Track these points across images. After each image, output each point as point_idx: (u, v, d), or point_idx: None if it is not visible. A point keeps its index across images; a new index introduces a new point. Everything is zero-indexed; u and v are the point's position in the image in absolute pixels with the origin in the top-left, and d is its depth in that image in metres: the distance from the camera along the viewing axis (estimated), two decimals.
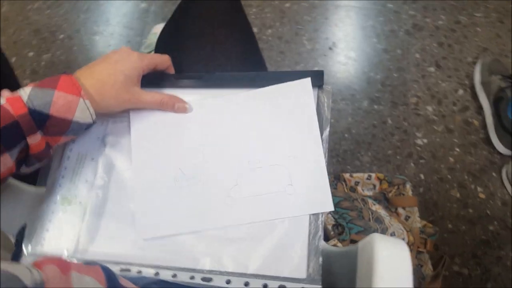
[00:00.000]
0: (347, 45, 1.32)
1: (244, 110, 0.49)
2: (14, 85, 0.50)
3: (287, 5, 1.39)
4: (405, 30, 1.35)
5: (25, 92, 0.43)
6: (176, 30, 0.64)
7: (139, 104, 0.50)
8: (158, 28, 1.19)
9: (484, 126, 1.16)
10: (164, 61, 0.54)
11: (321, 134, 0.47)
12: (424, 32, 1.35)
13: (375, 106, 1.20)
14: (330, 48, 1.31)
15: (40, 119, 0.43)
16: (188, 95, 0.52)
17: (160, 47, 0.67)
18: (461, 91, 1.23)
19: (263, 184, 0.45)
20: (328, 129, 0.47)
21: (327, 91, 0.50)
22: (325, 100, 0.49)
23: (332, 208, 0.44)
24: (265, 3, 1.39)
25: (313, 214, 0.44)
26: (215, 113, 0.49)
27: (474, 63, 1.26)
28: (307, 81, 0.49)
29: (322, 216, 0.44)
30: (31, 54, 1.29)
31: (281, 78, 0.50)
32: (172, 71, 0.56)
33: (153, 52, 0.61)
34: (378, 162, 1.12)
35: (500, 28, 1.34)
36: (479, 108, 1.19)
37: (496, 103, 1.13)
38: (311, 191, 0.45)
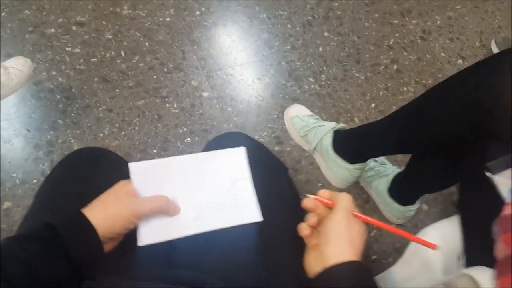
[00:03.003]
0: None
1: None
2: None
3: None
4: (420, 37, 1.60)
5: None
6: None
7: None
8: None
9: None
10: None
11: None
12: (434, 34, 1.61)
13: None
14: None
15: None
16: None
17: None
18: None
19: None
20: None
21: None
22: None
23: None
24: None
25: None
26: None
27: (483, 45, 1.56)
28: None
29: None
30: None
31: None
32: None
33: None
34: None
35: (479, 12, 1.66)
36: None
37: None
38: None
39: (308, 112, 1.30)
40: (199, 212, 0.60)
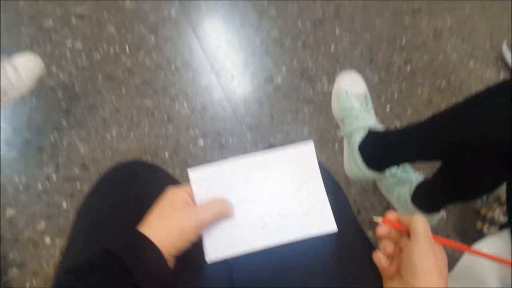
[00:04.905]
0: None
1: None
2: None
3: None
4: (432, 37, 1.57)
5: None
6: None
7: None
8: None
9: None
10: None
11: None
12: (445, 34, 1.58)
13: None
14: None
15: None
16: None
17: None
18: (502, 73, 1.50)
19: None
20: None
21: None
22: None
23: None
24: None
25: None
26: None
27: (494, 47, 1.54)
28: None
29: None
30: None
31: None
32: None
33: None
34: None
35: (488, 13, 1.65)
36: None
37: None
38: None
39: (363, 89, 1.16)
40: (268, 222, 0.55)
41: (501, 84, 0.80)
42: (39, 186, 1.13)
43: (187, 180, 0.55)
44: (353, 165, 1.10)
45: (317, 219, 0.55)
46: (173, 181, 0.68)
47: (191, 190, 0.54)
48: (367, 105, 1.14)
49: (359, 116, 1.09)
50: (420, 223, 0.53)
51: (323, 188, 0.57)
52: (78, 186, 1.15)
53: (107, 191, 0.62)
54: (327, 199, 0.56)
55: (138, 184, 0.63)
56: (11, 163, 1.15)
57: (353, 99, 1.12)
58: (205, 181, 0.55)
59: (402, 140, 1.00)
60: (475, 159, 0.90)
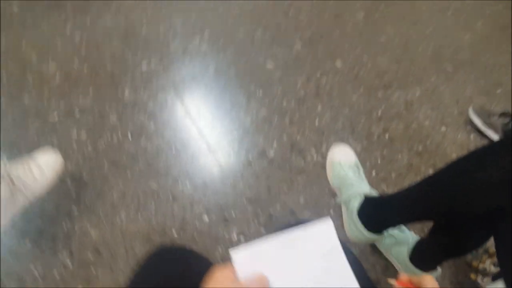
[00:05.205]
0: None
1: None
2: None
3: None
4: (404, 108, 1.74)
5: None
6: None
7: None
8: None
9: None
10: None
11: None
12: (415, 104, 1.76)
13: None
14: None
15: None
16: None
17: None
18: (472, 135, 1.67)
19: None
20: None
21: None
22: None
23: None
24: None
25: None
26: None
27: (461, 113, 1.72)
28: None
29: None
30: None
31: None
32: None
33: None
34: None
35: (452, 83, 1.85)
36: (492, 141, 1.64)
37: (508, 133, 1.59)
38: None
39: (353, 159, 1.30)
40: None
41: (480, 150, 0.91)
42: (56, 274, 1.17)
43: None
44: (354, 228, 1.19)
45: None
46: (203, 258, 0.74)
47: (234, 269, 0.61)
48: (359, 173, 1.26)
49: (354, 184, 1.20)
50: (430, 281, 0.62)
51: (347, 262, 0.63)
52: (93, 271, 1.19)
53: (148, 278, 0.68)
54: (351, 273, 0.62)
55: (174, 265, 0.69)
56: (26, 253, 1.19)
57: (346, 168, 1.24)
58: (245, 260, 0.61)
59: (396, 204, 1.11)
60: (462, 220, 1.01)
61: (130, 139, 1.50)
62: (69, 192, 1.33)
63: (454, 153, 1.61)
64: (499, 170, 0.84)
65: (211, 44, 1.90)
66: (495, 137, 1.64)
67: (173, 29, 1.93)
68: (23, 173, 1.00)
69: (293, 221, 1.34)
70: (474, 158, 0.92)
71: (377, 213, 1.14)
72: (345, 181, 1.23)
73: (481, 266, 1.28)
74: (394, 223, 1.14)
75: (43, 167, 1.05)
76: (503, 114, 1.62)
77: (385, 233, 1.21)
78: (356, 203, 1.18)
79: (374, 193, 1.20)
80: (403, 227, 1.25)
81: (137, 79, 1.69)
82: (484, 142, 1.65)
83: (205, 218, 1.35)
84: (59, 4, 1.95)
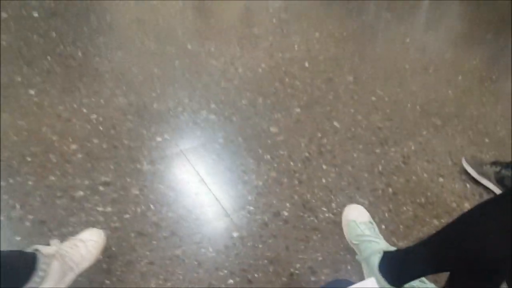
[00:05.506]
0: None
1: None
2: None
3: None
4: (402, 162, 1.88)
5: None
6: None
7: None
8: None
9: None
10: None
11: None
12: (412, 158, 1.90)
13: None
14: None
15: None
16: None
17: None
18: (468, 184, 1.80)
19: None
20: None
21: None
22: None
23: None
24: None
25: None
26: None
27: (455, 163, 1.87)
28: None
29: None
30: None
31: None
32: None
33: None
34: None
35: (442, 136, 2.01)
36: (487, 189, 1.77)
37: (500, 181, 1.72)
38: None
39: (367, 217, 1.41)
40: None
41: (487, 203, 1.03)
42: None
43: None
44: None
45: None
46: None
47: None
48: (375, 229, 1.36)
49: (372, 241, 1.30)
50: None
51: None
52: None
53: None
54: None
55: None
56: None
57: (362, 226, 1.35)
58: None
59: (413, 258, 1.20)
60: (475, 269, 1.11)
61: (153, 208, 1.59)
62: (101, 264, 1.39)
63: (454, 203, 1.73)
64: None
65: (218, 114, 2.05)
66: (489, 185, 1.77)
67: (181, 104, 2.09)
68: (71, 252, 1.08)
69: (315, 278, 1.43)
70: (479, 211, 1.03)
71: (398, 267, 1.23)
72: (363, 239, 1.33)
73: None
74: (414, 276, 1.24)
75: (88, 244, 1.13)
76: (494, 163, 1.76)
77: (407, 285, 1.29)
78: (376, 259, 1.27)
79: (391, 248, 1.29)
80: (424, 279, 1.34)
81: (153, 151, 1.80)
82: (480, 190, 1.78)
83: (230, 281, 1.42)
84: (73, 87, 2.10)
